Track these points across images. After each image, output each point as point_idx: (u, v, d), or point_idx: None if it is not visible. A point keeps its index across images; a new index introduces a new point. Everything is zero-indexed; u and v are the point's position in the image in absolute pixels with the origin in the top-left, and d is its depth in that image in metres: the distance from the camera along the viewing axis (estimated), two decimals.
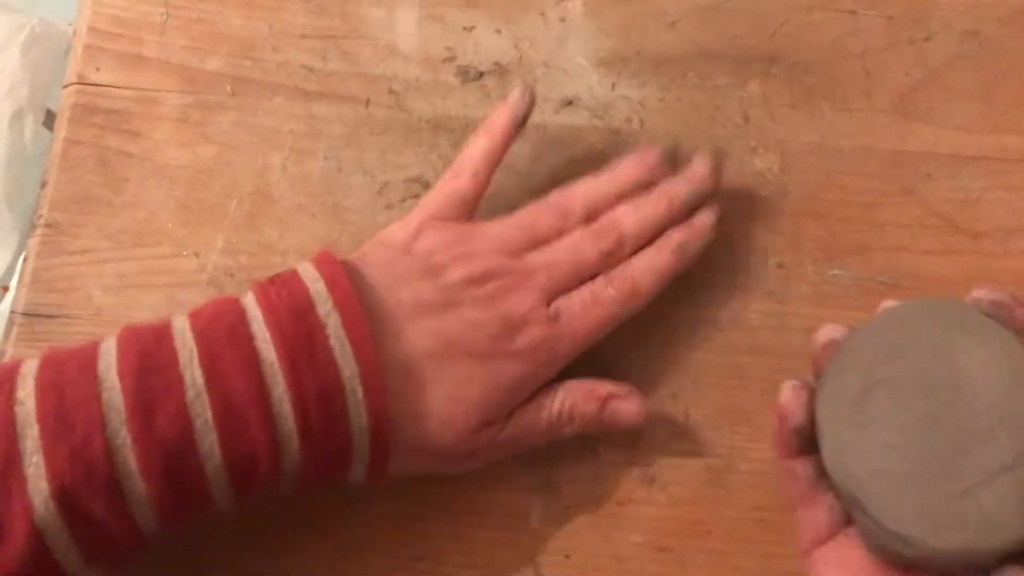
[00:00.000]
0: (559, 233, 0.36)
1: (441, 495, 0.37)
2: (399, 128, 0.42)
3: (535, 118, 0.41)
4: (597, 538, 0.36)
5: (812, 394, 0.30)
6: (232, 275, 0.40)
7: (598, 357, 0.38)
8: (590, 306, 0.35)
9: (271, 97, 0.42)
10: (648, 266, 0.36)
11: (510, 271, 0.34)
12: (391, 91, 0.42)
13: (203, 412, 0.29)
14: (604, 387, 0.35)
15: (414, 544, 0.36)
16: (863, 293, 0.39)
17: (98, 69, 0.42)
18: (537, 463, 0.37)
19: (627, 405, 0.35)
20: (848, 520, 0.29)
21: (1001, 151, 0.41)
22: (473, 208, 0.36)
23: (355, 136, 0.41)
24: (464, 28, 0.43)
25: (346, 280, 0.31)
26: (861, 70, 0.42)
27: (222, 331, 0.30)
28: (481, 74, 0.42)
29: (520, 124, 0.37)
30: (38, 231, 0.40)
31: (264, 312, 0.30)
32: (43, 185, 0.41)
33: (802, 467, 0.30)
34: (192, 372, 0.29)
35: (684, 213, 0.36)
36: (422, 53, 0.43)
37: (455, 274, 0.34)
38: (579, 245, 0.35)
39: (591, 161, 0.41)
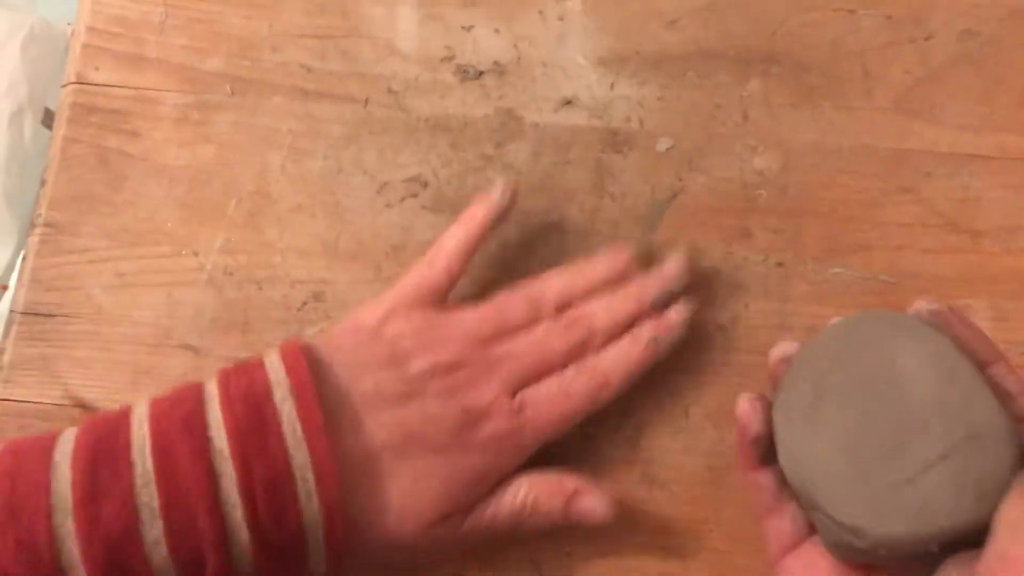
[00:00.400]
0: (529, 324, 0.36)
1: None
2: (398, 128, 0.42)
3: (534, 117, 0.41)
4: (597, 535, 0.36)
5: (769, 406, 0.31)
6: (231, 274, 0.40)
7: None
8: (558, 398, 0.34)
9: (270, 97, 0.42)
10: (619, 359, 0.35)
11: (475, 361, 0.34)
12: (390, 90, 0.42)
13: (150, 501, 0.29)
14: (570, 482, 0.34)
15: None
16: (864, 292, 0.39)
17: (97, 68, 0.42)
18: (538, 462, 0.37)
19: (594, 502, 0.34)
20: (812, 529, 0.31)
21: (1001, 150, 0.41)
22: (444, 298, 0.36)
23: (354, 136, 0.41)
24: (463, 27, 0.43)
25: (305, 367, 0.31)
26: (861, 69, 0.42)
27: (177, 418, 0.30)
28: (480, 73, 0.42)
29: (499, 219, 0.37)
30: (37, 230, 0.40)
31: (221, 398, 0.31)
32: (42, 184, 0.41)
33: (765, 478, 0.31)
34: (143, 460, 0.29)
35: (655, 309, 0.36)
36: (421, 52, 0.42)
37: (419, 364, 0.33)
38: (548, 337, 0.35)
39: (589, 161, 0.41)
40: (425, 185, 0.41)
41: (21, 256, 0.41)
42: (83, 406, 0.38)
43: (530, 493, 0.34)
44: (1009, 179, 0.41)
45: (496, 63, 0.42)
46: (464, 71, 0.42)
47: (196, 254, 0.40)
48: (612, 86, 0.42)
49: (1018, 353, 0.38)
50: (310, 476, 0.30)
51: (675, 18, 0.43)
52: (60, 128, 0.42)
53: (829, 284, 0.39)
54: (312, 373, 0.31)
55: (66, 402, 0.38)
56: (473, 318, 0.35)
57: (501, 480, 0.34)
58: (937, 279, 0.39)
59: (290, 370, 0.31)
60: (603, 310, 0.36)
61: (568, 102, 0.42)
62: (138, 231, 0.40)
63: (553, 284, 0.37)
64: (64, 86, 0.43)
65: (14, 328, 0.39)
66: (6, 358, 0.39)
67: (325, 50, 0.43)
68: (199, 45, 0.43)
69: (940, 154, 0.41)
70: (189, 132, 0.41)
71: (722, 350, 0.38)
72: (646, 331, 0.36)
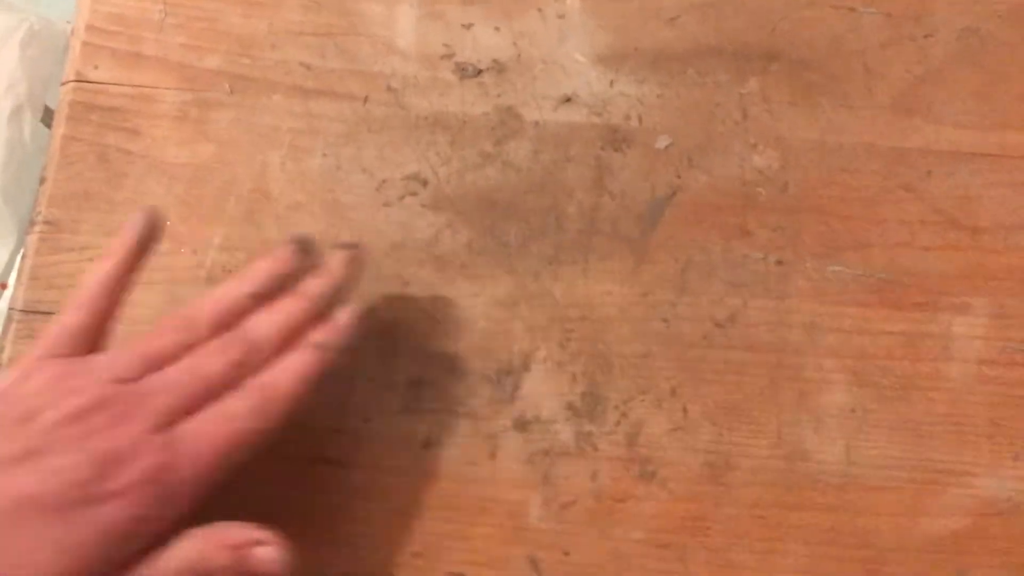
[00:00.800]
0: (186, 348, 0.33)
1: (440, 492, 0.37)
2: (397, 125, 0.41)
3: (533, 115, 0.41)
4: (596, 535, 0.36)
5: None
6: (230, 272, 0.40)
7: (600, 353, 0.38)
8: (217, 424, 0.31)
9: (270, 95, 0.42)
10: (285, 370, 0.33)
11: (118, 400, 0.31)
12: (389, 88, 0.42)
13: None
14: (238, 532, 0.31)
15: (413, 541, 0.36)
16: (863, 290, 0.39)
17: (96, 67, 0.42)
18: (536, 459, 0.37)
19: (267, 553, 0.30)
20: None
21: (1001, 148, 0.41)
22: (93, 340, 0.33)
23: (354, 133, 0.41)
24: (462, 25, 0.43)
25: None
26: (861, 67, 0.42)
27: None
28: (479, 71, 0.42)
29: (144, 247, 0.34)
30: (37, 228, 0.40)
31: None
32: (42, 182, 0.41)
33: None
34: None
35: (320, 310, 0.34)
36: (420, 50, 0.42)
37: (50, 416, 0.30)
38: (204, 359, 0.32)
39: (589, 158, 0.41)
40: (424, 183, 0.41)
41: (20, 254, 0.41)
42: None
43: (194, 549, 0.30)
44: (1009, 177, 0.41)
45: (495, 61, 0.42)
46: (463, 69, 0.42)
47: (195, 252, 0.40)
48: (611, 84, 0.42)
49: (1018, 352, 0.38)
50: None
51: (674, 15, 0.43)
52: (59, 126, 0.42)
53: (828, 282, 0.39)
54: None
55: None
56: (119, 356, 0.32)
57: (166, 529, 0.31)
58: (937, 277, 0.39)
59: None
60: (264, 320, 0.33)
61: (567, 100, 0.42)
62: None
63: (208, 301, 0.34)
64: (63, 84, 0.42)
65: (13, 326, 0.39)
66: (5, 356, 0.39)
67: (324, 48, 0.43)
68: (198, 43, 0.43)
69: (940, 152, 0.41)
70: (188, 130, 0.41)
71: (721, 347, 0.38)
72: (312, 337, 0.33)
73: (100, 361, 0.32)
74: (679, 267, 0.39)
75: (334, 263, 0.35)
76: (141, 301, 0.39)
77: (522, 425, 0.37)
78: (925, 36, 0.43)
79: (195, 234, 0.40)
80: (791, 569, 0.36)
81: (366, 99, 0.42)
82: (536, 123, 0.41)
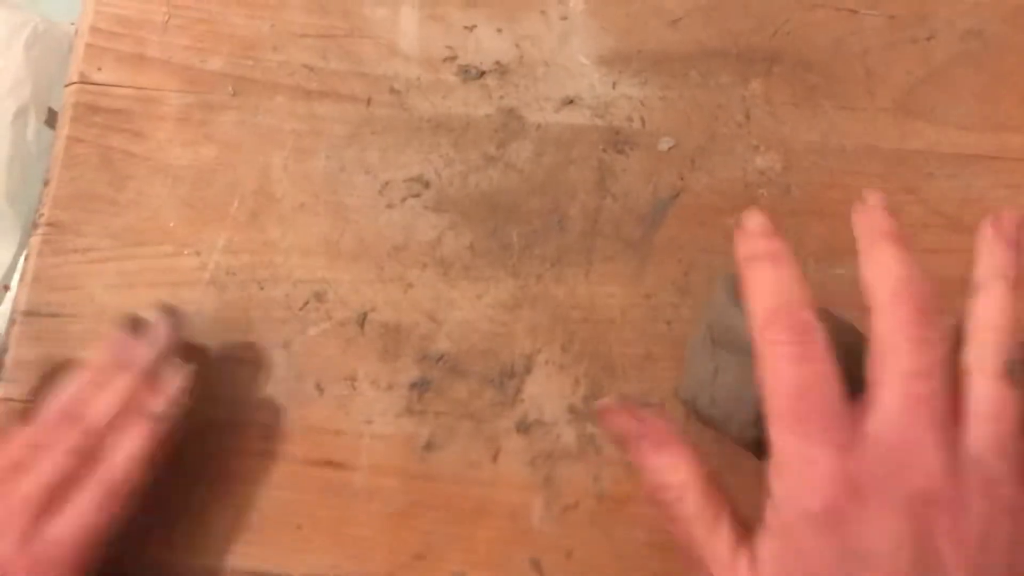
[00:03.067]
0: (39, 449, 0.34)
1: (442, 494, 0.37)
2: (400, 127, 0.42)
3: (536, 117, 0.41)
4: (599, 536, 0.36)
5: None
6: (234, 274, 0.40)
7: (602, 355, 0.38)
8: (74, 519, 0.33)
9: (273, 97, 0.42)
10: (123, 448, 0.34)
11: None
12: (392, 90, 0.42)
13: None
14: None
15: (416, 542, 0.36)
16: None
17: (100, 68, 0.42)
18: (538, 461, 0.37)
19: None
20: None
21: (1003, 150, 0.41)
22: None
23: (356, 135, 0.41)
24: (465, 27, 0.43)
25: None
26: (863, 69, 0.42)
27: None
28: (482, 73, 0.42)
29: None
30: (40, 230, 0.40)
31: None
32: (45, 183, 0.42)
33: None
34: None
35: (153, 377, 0.35)
36: (423, 52, 0.43)
37: None
38: (51, 456, 0.33)
39: (591, 160, 0.41)
40: (427, 185, 0.41)
41: (24, 256, 0.41)
42: None
43: None
44: (1011, 179, 0.41)
45: (498, 63, 0.42)
46: (466, 71, 0.42)
47: (198, 254, 0.40)
48: (614, 85, 0.42)
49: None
50: None
51: (677, 17, 0.43)
52: (63, 128, 0.42)
53: (832, 284, 0.39)
54: None
55: None
56: None
57: None
58: (939, 279, 0.39)
59: None
60: (97, 399, 0.34)
61: (570, 101, 0.42)
62: (141, 231, 0.40)
63: (57, 395, 0.35)
64: (67, 86, 0.43)
65: (16, 328, 0.39)
66: (9, 358, 0.39)
67: (327, 50, 0.43)
68: (201, 45, 0.43)
69: (942, 154, 0.41)
70: (192, 132, 0.42)
71: None
72: (146, 407, 0.34)
73: None
74: (682, 269, 0.39)
75: (156, 330, 0.36)
76: (145, 303, 0.39)
77: (524, 427, 0.37)
78: (927, 38, 0.43)
79: (198, 236, 0.40)
80: None
81: (369, 101, 0.42)
82: (538, 125, 0.41)
